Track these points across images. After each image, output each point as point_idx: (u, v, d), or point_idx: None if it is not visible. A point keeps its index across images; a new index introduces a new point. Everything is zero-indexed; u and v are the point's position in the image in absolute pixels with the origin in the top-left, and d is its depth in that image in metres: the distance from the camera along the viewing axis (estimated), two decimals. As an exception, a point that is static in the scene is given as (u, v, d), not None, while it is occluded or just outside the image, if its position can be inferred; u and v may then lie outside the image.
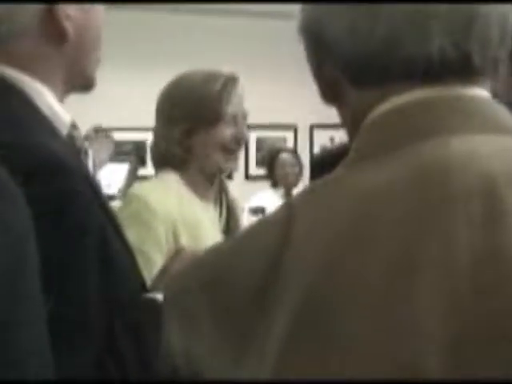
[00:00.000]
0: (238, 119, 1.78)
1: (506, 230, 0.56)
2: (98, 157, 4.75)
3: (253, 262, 0.61)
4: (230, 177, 1.95)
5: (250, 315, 0.59)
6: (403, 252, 0.56)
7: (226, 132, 1.76)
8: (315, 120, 6.09)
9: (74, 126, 1.08)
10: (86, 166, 1.08)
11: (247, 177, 6.20)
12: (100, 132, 5.01)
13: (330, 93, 0.69)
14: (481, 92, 0.65)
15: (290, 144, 6.24)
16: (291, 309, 0.57)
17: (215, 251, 0.66)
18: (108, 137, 5.05)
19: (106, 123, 5.49)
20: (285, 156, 4.93)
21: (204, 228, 1.74)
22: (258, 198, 4.76)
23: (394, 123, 0.63)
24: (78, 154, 1.07)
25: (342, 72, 0.67)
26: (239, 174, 6.25)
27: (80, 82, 1.12)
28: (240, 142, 1.79)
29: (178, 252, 1.51)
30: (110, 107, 5.40)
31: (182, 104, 1.76)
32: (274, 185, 4.86)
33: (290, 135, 6.32)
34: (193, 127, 1.75)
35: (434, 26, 0.62)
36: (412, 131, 0.62)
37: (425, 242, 0.57)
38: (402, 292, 0.55)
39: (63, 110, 1.07)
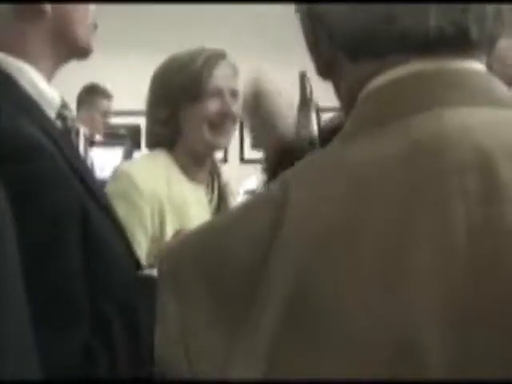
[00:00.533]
0: (225, 94, 1.77)
1: (501, 204, 0.56)
2: (93, 122, 4.35)
3: (246, 242, 0.60)
4: (225, 160, 1.96)
5: (243, 295, 0.59)
6: (399, 228, 0.56)
7: (211, 106, 1.76)
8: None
9: (64, 106, 1.06)
10: (73, 147, 1.07)
11: (242, 160, 6.18)
12: (93, 92, 4.46)
13: (326, 68, 0.69)
14: (477, 65, 0.65)
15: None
16: (284, 291, 0.57)
17: (209, 228, 0.65)
18: (103, 95, 4.53)
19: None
20: None
21: (191, 209, 1.73)
22: (253, 181, 4.74)
23: (389, 96, 0.63)
24: (68, 134, 1.06)
25: (339, 48, 0.66)
26: (234, 158, 6.23)
27: (72, 52, 1.10)
28: (227, 116, 1.78)
29: (178, 232, 1.51)
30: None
31: (166, 84, 1.77)
32: None
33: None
34: (177, 105, 1.75)
35: (432, 6, 0.62)
36: (407, 104, 0.62)
37: (421, 217, 0.56)
38: (399, 269, 0.55)
39: (52, 90, 1.06)
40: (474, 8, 0.63)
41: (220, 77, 1.77)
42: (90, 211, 1.00)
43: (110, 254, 1.02)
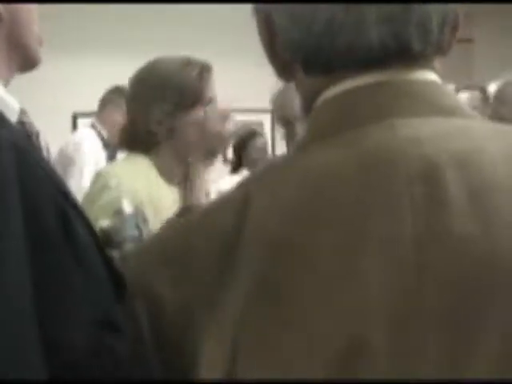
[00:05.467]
0: (215, 103, 1.86)
1: (446, 213, 0.58)
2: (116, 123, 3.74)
3: (211, 241, 0.62)
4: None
5: (207, 294, 0.61)
6: (351, 233, 0.59)
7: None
8: (292, 103, 6.07)
9: (23, 112, 1.07)
10: (37, 149, 1.07)
11: (225, 160, 6.18)
12: (119, 92, 3.61)
13: (284, 73, 0.71)
14: (425, 75, 0.66)
15: (266, 128, 6.23)
16: (246, 288, 0.59)
17: (175, 228, 0.67)
18: None
19: (87, 108, 5.47)
20: (260, 141, 4.75)
21: (168, 212, 1.75)
22: (226, 181, 4.72)
23: (342, 107, 0.65)
24: (29, 137, 1.06)
25: (291, 57, 0.68)
26: (217, 158, 6.24)
27: (25, 62, 1.09)
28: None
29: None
30: (90, 92, 5.38)
31: (163, 86, 1.80)
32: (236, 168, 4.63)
33: (266, 119, 6.31)
34: (175, 108, 1.79)
35: (371, 15, 0.63)
36: (359, 115, 0.64)
37: (371, 224, 0.59)
38: (350, 270, 0.58)
39: (10, 97, 1.06)
40: (416, 20, 0.63)
41: (211, 89, 1.85)
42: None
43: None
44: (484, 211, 0.58)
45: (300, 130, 2.31)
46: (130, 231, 1.25)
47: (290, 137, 2.26)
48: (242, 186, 0.66)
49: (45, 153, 1.09)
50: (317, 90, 0.67)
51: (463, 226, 0.58)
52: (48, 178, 0.95)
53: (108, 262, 1.06)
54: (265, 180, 0.65)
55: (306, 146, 0.65)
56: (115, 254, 1.17)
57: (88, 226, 1.08)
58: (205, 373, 0.60)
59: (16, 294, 0.72)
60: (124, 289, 0.94)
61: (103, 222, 1.20)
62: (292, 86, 2.13)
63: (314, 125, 0.67)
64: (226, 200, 0.65)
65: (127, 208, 1.24)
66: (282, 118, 1.84)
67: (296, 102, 2.30)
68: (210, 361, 0.59)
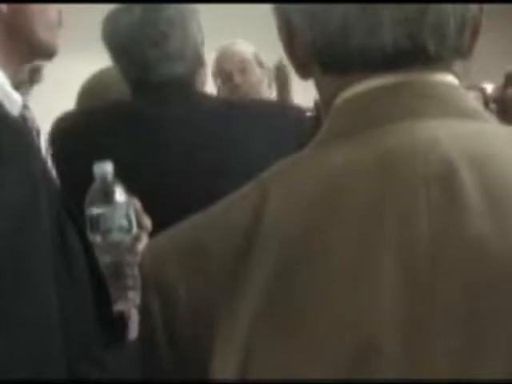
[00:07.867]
0: None
1: (462, 215, 0.58)
2: None
3: (227, 237, 0.62)
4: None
5: (223, 289, 0.61)
6: (366, 234, 0.58)
7: None
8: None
9: (25, 107, 1.05)
10: (37, 146, 1.05)
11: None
12: None
13: (302, 70, 0.71)
14: (443, 77, 0.66)
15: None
16: (259, 291, 0.59)
17: (190, 224, 0.67)
18: None
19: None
20: None
21: None
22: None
23: (359, 108, 0.65)
24: (30, 134, 1.05)
25: (308, 57, 0.68)
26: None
27: (34, 51, 1.07)
28: None
29: None
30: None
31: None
32: None
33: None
34: None
35: (386, 17, 0.63)
36: (375, 116, 0.64)
37: (389, 224, 0.58)
38: (364, 271, 0.58)
39: (13, 91, 1.04)
40: (431, 22, 0.63)
41: None
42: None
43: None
44: (500, 213, 0.58)
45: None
46: (119, 221, 1.25)
47: None
48: (258, 184, 0.66)
49: (44, 151, 1.06)
50: (334, 90, 0.67)
51: (479, 228, 0.58)
52: (49, 183, 0.94)
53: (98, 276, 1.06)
54: (282, 178, 0.65)
55: (323, 146, 0.66)
56: (99, 239, 1.18)
57: (81, 232, 1.07)
58: (217, 372, 0.60)
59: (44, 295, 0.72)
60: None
61: (94, 210, 1.20)
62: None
63: (331, 124, 0.67)
64: (242, 198, 0.65)
65: (119, 196, 1.24)
66: None
67: None
68: (222, 360, 0.60)
